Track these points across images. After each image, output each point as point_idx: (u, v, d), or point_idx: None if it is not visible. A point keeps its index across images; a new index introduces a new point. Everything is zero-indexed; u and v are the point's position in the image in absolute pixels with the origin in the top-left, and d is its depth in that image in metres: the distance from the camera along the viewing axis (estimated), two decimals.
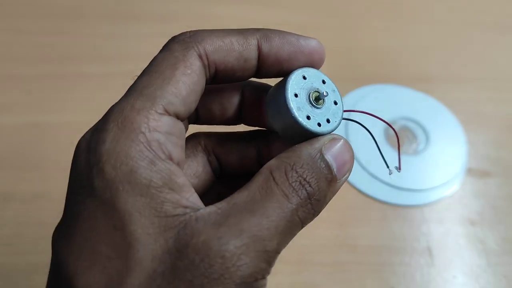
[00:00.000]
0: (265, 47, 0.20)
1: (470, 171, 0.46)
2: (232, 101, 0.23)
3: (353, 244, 0.41)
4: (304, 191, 0.18)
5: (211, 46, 0.19)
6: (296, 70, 0.21)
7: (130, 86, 0.19)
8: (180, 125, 0.19)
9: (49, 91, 0.50)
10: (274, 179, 0.18)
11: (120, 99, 0.19)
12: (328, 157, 0.19)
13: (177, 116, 0.19)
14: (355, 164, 0.45)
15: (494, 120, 0.50)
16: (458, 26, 0.59)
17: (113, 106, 0.18)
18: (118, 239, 0.16)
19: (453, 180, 0.45)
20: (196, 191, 0.19)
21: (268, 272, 0.18)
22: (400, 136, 0.46)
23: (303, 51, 0.21)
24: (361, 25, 0.58)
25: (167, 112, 0.18)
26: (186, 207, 0.17)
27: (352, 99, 0.50)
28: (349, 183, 0.44)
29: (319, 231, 0.41)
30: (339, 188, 0.20)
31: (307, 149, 0.19)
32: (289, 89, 0.20)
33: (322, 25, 0.57)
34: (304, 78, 0.21)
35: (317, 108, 0.21)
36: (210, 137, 0.24)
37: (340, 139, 0.20)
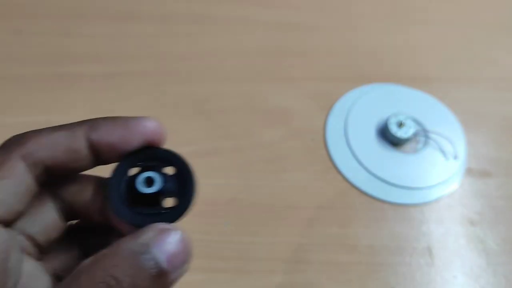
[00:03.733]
0: (94, 136, 0.21)
1: (470, 171, 0.46)
2: (96, 205, 0.23)
3: (353, 244, 0.41)
4: None
5: (35, 145, 0.20)
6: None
7: None
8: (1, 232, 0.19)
9: (49, 91, 0.50)
10: (78, 280, 0.18)
11: None
12: (154, 249, 0.18)
13: (2, 221, 0.19)
14: (355, 163, 0.45)
15: (494, 120, 0.50)
16: (458, 26, 0.59)
17: None
18: None
19: (452, 179, 0.45)
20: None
21: None
22: (400, 136, 0.46)
23: (133, 132, 0.21)
24: (361, 25, 0.58)
25: None
26: None
27: (352, 99, 0.50)
28: (348, 182, 0.44)
29: (318, 230, 0.41)
30: (175, 280, 0.19)
31: (128, 244, 0.19)
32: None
33: (322, 25, 0.57)
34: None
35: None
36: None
37: (171, 229, 0.19)
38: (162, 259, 0.18)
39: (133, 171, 0.21)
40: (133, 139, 0.21)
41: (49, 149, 0.20)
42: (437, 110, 0.50)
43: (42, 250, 0.22)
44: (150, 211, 0.21)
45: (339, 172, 0.45)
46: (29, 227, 0.22)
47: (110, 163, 0.22)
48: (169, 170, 0.22)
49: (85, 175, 0.23)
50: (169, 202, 0.21)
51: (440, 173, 0.46)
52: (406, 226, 0.42)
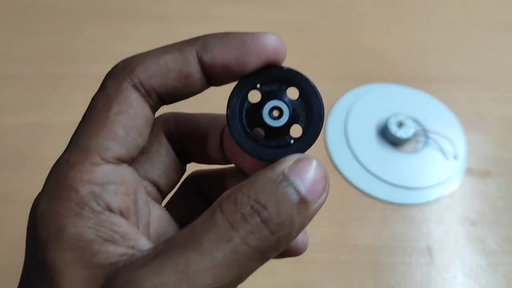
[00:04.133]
0: (207, 58, 0.18)
1: (470, 171, 0.46)
2: (214, 142, 0.22)
3: (353, 244, 0.41)
4: (256, 216, 0.17)
5: (144, 73, 0.18)
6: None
7: (71, 137, 0.19)
8: (122, 169, 0.18)
9: (49, 91, 0.50)
10: (221, 209, 0.17)
11: (62, 153, 0.18)
12: (293, 178, 0.17)
13: (120, 159, 0.18)
14: (354, 162, 0.45)
15: (494, 120, 0.50)
16: (458, 26, 0.59)
17: (55, 162, 0.18)
18: None
19: (452, 179, 0.45)
20: (168, 186, 0.19)
21: None
22: (400, 136, 0.46)
23: (251, 52, 0.18)
24: (361, 25, 0.58)
25: (104, 160, 0.17)
26: (123, 254, 0.17)
27: (351, 98, 0.50)
28: (348, 182, 0.44)
29: (318, 230, 0.41)
30: (315, 211, 0.18)
31: (266, 174, 0.18)
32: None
33: (322, 25, 0.57)
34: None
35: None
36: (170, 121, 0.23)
37: (308, 158, 0.18)
38: (301, 187, 0.17)
39: (253, 96, 0.19)
40: (251, 59, 0.19)
41: (160, 76, 0.18)
42: (437, 110, 0.50)
43: (164, 196, 0.22)
44: (277, 143, 0.19)
45: (339, 172, 0.45)
46: (151, 171, 0.21)
47: (224, 84, 0.20)
48: (292, 92, 0.19)
49: (198, 114, 0.22)
50: (295, 130, 0.19)
51: (440, 173, 0.46)
52: (406, 226, 0.42)
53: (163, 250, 0.16)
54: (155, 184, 0.21)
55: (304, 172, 0.18)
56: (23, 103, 0.49)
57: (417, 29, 0.58)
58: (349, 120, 0.48)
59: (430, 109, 0.50)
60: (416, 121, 0.48)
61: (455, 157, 0.47)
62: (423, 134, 0.48)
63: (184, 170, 0.23)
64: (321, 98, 0.19)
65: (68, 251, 0.16)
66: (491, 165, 0.47)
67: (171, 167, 0.22)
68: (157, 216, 0.21)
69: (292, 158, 0.18)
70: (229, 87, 0.20)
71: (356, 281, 0.39)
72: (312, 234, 0.42)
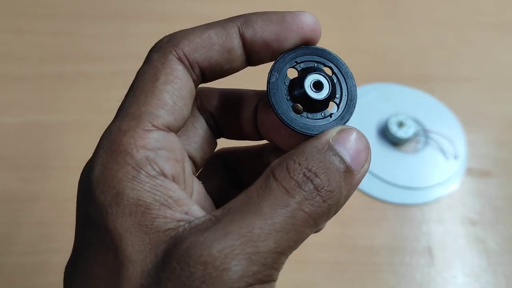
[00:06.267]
0: (248, 33, 0.19)
1: (470, 171, 0.46)
2: (247, 116, 0.22)
3: (353, 244, 0.41)
4: (309, 183, 0.17)
5: (189, 46, 0.19)
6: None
7: (119, 107, 0.19)
8: (171, 137, 0.19)
9: (49, 91, 0.50)
10: (274, 176, 0.17)
11: (111, 122, 0.19)
12: (338, 147, 0.18)
13: (169, 127, 0.18)
14: None
15: (494, 119, 0.50)
16: (458, 26, 0.59)
17: (104, 131, 0.18)
18: (111, 260, 0.16)
19: (453, 179, 0.45)
20: (201, 161, 0.19)
21: (269, 276, 0.16)
22: (400, 136, 0.46)
23: (290, 28, 0.19)
24: (362, 25, 0.58)
25: (155, 127, 0.18)
26: (180, 220, 0.17)
27: None
28: None
29: None
30: (359, 181, 0.19)
31: (312, 143, 0.18)
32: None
33: (322, 25, 0.57)
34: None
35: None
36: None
37: (350, 128, 0.19)
38: (347, 156, 0.18)
39: (290, 73, 0.20)
40: (290, 36, 0.19)
41: (204, 50, 0.19)
42: (437, 110, 0.50)
43: (198, 169, 0.22)
44: (315, 117, 0.19)
45: None
46: (187, 145, 0.21)
47: (261, 63, 0.20)
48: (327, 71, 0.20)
49: (231, 89, 0.23)
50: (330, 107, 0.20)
51: (440, 173, 0.46)
52: (406, 226, 0.42)
53: (223, 216, 0.17)
54: (191, 158, 0.21)
55: (348, 142, 0.18)
56: (23, 103, 0.49)
57: (417, 29, 0.58)
58: (349, 120, 0.48)
59: (430, 109, 0.50)
60: (416, 121, 0.48)
61: (455, 157, 0.47)
62: (423, 134, 0.48)
63: (215, 145, 0.23)
64: (353, 75, 0.20)
65: (128, 216, 0.17)
66: (491, 165, 0.47)
67: (205, 141, 0.22)
68: (196, 189, 0.21)
69: (335, 129, 0.19)
70: (263, 70, 0.20)
71: (356, 281, 0.39)
72: (312, 234, 0.43)
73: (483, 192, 0.45)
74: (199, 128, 0.22)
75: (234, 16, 0.20)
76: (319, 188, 0.17)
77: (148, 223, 0.17)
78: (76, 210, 0.18)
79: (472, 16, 0.60)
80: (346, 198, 0.18)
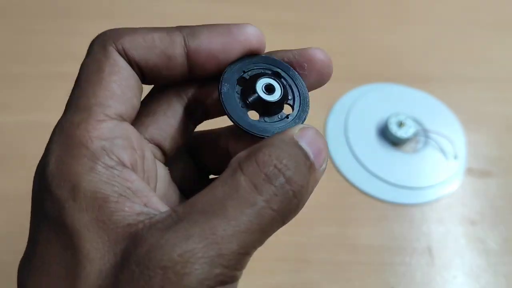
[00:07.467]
0: (193, 43, 0.19)
1: (470, 171, 0.46)
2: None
3: (353, 244, 0.41)
4: (281, 177, 0.17)
5: (129, 43, 0.19)
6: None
7: (67, 102, 0.19)
8: (125, 125, 0.18)
9: (49, 91, 0.50)
10: (241, 170, 0.17)
11: (60, 117, 0.18)
12: (302, 143, 0.18)
13: (121, 116, 0.18)
14: (354, 162, 0.45)
15: (494, 120, 0.50)
16: (458, 26, 0.59)
17: (55, 126, 0.18)
18: (69, 258, 0.16)
19: (453, 179, 0.45)
20: (175, 146, 0.19)
21: (231, 277, 0.16)
22: (400, 136, 0.46)
23: (237, 39, 0.19)
24: (361, 25, 0.58)
25: (108, 117, 0.18)
26: (139, 213, 0.16)
27: (352, 98, 0.50)
28: (348, 181, 0.44)
29: (318, 230, 0.41)
30: (319, 179, 0.18)
31: (278, 138, 0.18)
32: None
33: (322, 25, 0.57)
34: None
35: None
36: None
37: (311, 127, 0.19)
38: (310, 153, 0.18)
39: (240, 82, 0.20)
40: (236, 47, 0.19)
41: (144, 50, 0.19)
42: (437, 110, 0.50)
43: (167, 158, 0.22)
44: (275, 119, 0.20)
45: (339, 172, 0.45)
46: (156, 134, 0.21)
47: (204, 75, 0.20)
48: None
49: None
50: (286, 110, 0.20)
51: (440, 173, 0.46)
52: (406, 226, 0.42)
53: (186, 214, 0.16)
54: (160, 146, 0.21)
55: (310, 139, 0.18)
56: (23, 103, 0.49)
57: (417, 29, 0.58)
58: (349, 120, 0.48)
59: (430, 109, 0.50)
60: (416, 121, 0.48)
61: (455, 157, 0.47)
62: (423, 134, 0.48)
63: (189, 133, 0.23)
64: (302, 78, 0.20)
65: (85, 211, 0.16)
66: (491, 165, 0.47)
67: (175, 130, 0.21)
68: (160, 178, 0.21)
69: (297, 127, 0.19)
70: None
71: (356, 281, 0.39)
72: (312, 233, 0.43)
73: (483, 192, 0.45)
74: (171, 116, 0.21)
75: (182, 26, 0.20)
76: (291, 182, 0.17)
77: (106, 218, 0.16)
78: (32, 207, 0.18)
79: (472, 16, 0.60)
80: (309, 194, 0.18)
